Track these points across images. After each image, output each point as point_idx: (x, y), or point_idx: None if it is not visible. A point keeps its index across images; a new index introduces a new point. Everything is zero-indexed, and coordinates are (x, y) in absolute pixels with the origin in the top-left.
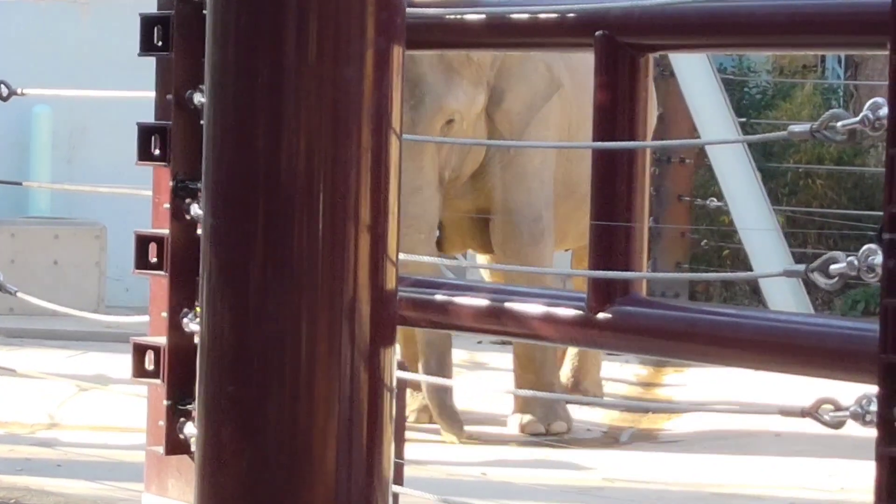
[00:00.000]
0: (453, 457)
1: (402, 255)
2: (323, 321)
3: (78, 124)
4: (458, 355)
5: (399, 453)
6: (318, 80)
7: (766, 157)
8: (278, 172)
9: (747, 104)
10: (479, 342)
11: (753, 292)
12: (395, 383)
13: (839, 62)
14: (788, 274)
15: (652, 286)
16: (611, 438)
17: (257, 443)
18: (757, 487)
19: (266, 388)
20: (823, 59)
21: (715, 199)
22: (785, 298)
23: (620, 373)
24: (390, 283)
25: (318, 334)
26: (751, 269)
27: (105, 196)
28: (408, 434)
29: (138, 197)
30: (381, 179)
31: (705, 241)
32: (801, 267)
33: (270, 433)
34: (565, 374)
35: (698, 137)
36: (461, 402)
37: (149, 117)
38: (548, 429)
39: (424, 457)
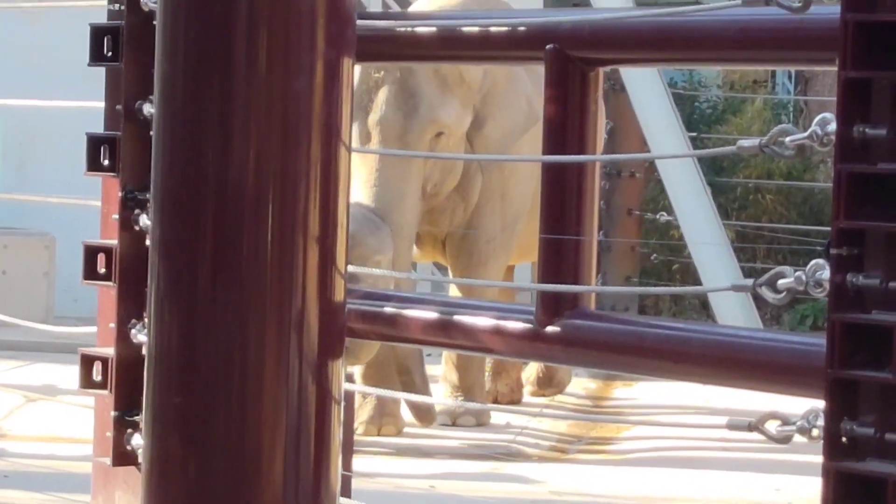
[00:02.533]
0: (401, 469)
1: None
2: (271, 333)
3: (28, 134)
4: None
5: (347, 465)
6: (268, 91)
7: (716, 172)
8: (227, 184)
9: (698, 119)
10: (429, 354)
11: (703, 306)
12: (343, 395)
13: (789, 77)
14: (737, 288)
15: (601, 300)
16: (559, 451)
17: (204, 454)
18: (704, 501)
19: (213, 399)
20: (774, 74)
21: (665, 214)
22: (734, 313)
23: (569, 386)
24: (339, 294)
25: (266, 346)
26: (700, 284)
27: (54, 206)
28: (356, 446)
29: (88, 207)
30: (331, 191)
31: (655, 255)
32: (750, 281)
33: (217, 445)
34: (538, 366)
35: (649, 152)
36: (407, 414)
37: (99, 127)
38: (454, 421)
39: (373, 469)
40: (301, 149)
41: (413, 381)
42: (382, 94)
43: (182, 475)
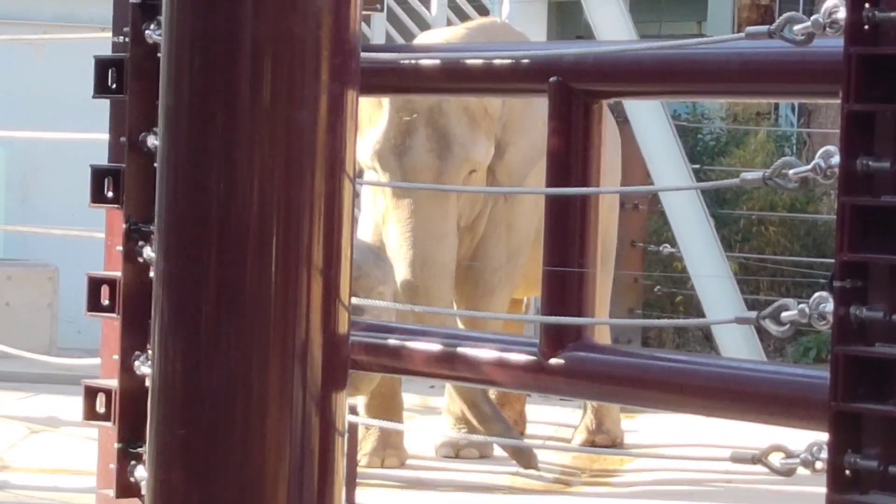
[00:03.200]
0: (404, 502)
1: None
2: (275, 365)
3: (31, 166)
4: (410, 399)
5: (350, 498)
6: (272, 123)
7: (719, 204)
8: (231, 216)
9: (701, 151)
10: (432, 386)
11: (706, 338)
12: (346, 427)
13: (792, 110)
14: (740, 321)
15: (612, 333)
16: (562, 483)
17: (207, 487)
18: None
19: (217, 431)
20: (777, 106)
21: (668, 246)
22: (737, 345)
23: (572, 418)
24: (342, 327)
25: (270, 378)
26: (703, 316)
27: (58, 238)
28: (359, 478)
29: (91, 239)
30: (335, 223)
31: (658, 287)
32: (753, 314)
33: (221, 477)
34: (588, 416)
35: (652, 184)
36: (412, 446)
37: (103, 159)
38: (458, 453)
39: (376, 502)
40: (305, 181)
41: (485, 414)
42: (415, 138)
43: None
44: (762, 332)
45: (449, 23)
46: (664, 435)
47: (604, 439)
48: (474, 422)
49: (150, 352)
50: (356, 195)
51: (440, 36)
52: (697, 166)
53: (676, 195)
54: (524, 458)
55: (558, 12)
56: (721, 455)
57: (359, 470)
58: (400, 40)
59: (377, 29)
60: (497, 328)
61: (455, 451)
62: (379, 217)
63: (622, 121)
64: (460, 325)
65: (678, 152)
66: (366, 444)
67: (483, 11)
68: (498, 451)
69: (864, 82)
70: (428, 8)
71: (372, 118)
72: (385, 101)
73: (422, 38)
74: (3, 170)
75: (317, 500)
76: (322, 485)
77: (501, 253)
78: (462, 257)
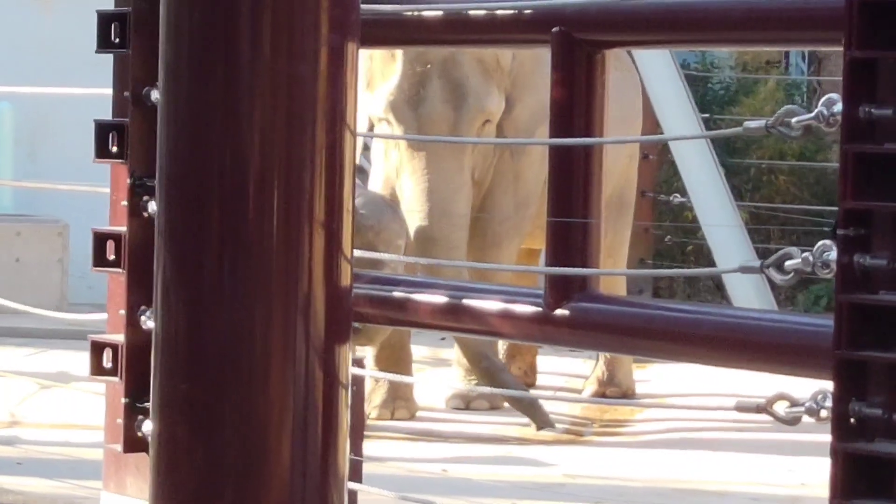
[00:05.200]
0: (414, 453)
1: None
2: (277, 318)
3: (40, 121)
4: (420, 351)
5: (357, 450)
6: (273, 76)
7: (729, 153)
8: (232, 169)
9: (710, 100)
10: (443, 338)
11: (717, 288)
12: (350, 380)
13: (802, 58)
14: (744, 270)
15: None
16: (573, 434)
17: (212, 440)
18: (718, 483)
19: (220, 385)
20: (787, 54)
21: (678, 195)
22: (748, 294)
23: (583, 369)
24: (345, 279)
25: (273, 331)
26: (714, 265)
27: (67, 193)
28: (369, 431)
29: (101, 194)
30: (336, 176)
31: (669, 236)
32: (757, 263)
33: (225, 430)
34: (599, 367)
35: (661, 133)
36: (422, 398)
37: (110, 115)
38: (468, 404)
39: (385, 454)
40: (306, 134)
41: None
42: (429, 89)
43: (189, 461)
44: (773, 281)
45: None
46: (676, 385)
47: (615, 391)
48: (479, 379)
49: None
50: (366, 148)
51: None
52: (707, 115)
53: (686, 145)
54: (538, 416)
55: None
56: (729, 404)
57: (368, 422)
58: None
59: None
60: (505, 279)
61: (465, 403)
62: (392, 170)
63: None
64: (465, 276)
65: (687, 102)
66: (375, 397)
67: None
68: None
69: (867, 29)
70: None
71: (384, 72)
72: (398, 53)
73: None
74: (11, 125)
75: (321, 452)
76: (326, 437)
77: (509, 204)
78: (471, 211)
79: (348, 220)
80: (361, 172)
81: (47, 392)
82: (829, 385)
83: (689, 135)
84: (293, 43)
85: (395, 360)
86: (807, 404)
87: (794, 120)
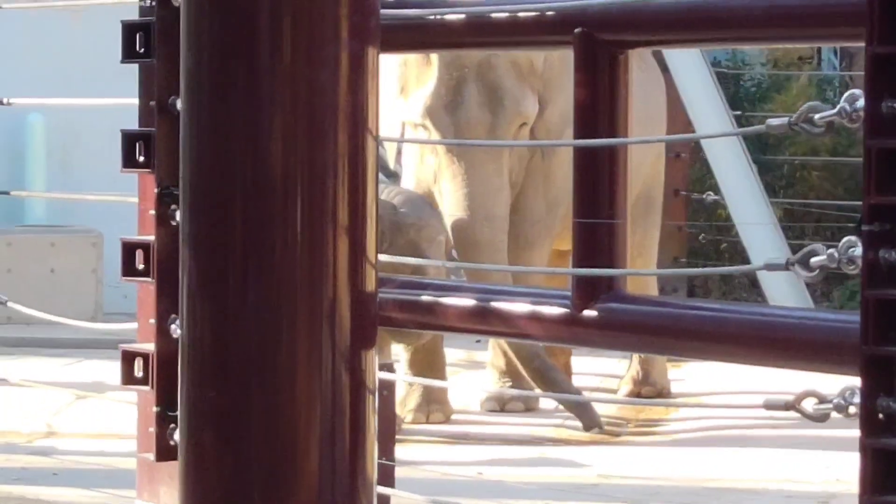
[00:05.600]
0: (449, 457)
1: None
2: (303, 325)
3: (71, 132)
4: (455, 354)
5: (388, 454)
6: (293, 83)
7: (762, 150)
8: (255, 177)
9: (742, 97)
10: (478, 340)
11: (752, 285)
12: (376, 385)
13: (835, 53)
14: (770, 267)
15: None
16: (608, 434)
17: (239, 448)
18: (752, 481)
19: (247, 393)
20: (819, 50)
21: (711, 193)
22: (783, 290)
23: (618, 369)
24: (370, 285)
25: (299, 338)
26: (749, 263)
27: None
28: (404, 434)
29: (133, 203)
30: (359, 182)
31: (703, 235)
32: (783, 260)
33: (252, 438)
34: (634, 366)
35: (692, 131)
36: (457, 401)
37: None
38: (503, 406)
39: (420, 457)
40: (328, 141)
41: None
42: (466, 93)
43: (218, 469)
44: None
45: None
46: (710, 383)
47: (650, 390)
48: (531, 381)
49: None
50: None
51: None
52: (739, 113)
53: (718, 143)
54: (586, 417)
55: None
56: (755, 403)
57: (404, 426)
58: None
59: None
60: (538, 280)
61: (500, 405)
62: (428, 174)
63: (662, 69)
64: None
65: (719, 100)
66: (410, 401)
67: None
68: (543, 403)
69: (889, 24)
70: None
71: (420, 77)
72: (433, 58)
73: None
74: (43, 137)
75: (349, 458)
76: (354, 443)
77: (540, 205)
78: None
79: (372, 225)
80: (396, 177)
81: (83, 402)
82: (856, 381)
83: (713, 133)
84: (313, 50)
85: (428, 363)
86: (835, 401)
87: (817, 116)
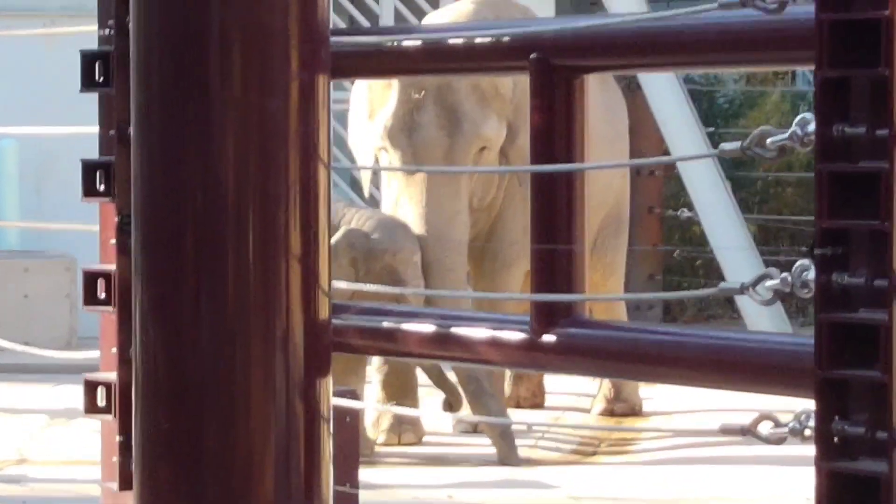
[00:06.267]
0: (420, 479)
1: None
2: (256, 354)
3: (45, 156)
4: (425, 377)
5: (353, 481)
6: (244, 113)
7: (735, 166)
8: (207, 206)
9: (716, 113)
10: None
11: (727, 301)
12: (331, 412)
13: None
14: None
15: (628, 302)
16: (580, 454)
17: (194, 479)
18: (726, 500)
19: (200, 422)
20: None
21: (686, 210)
22: (758, 307)
23: (591, 387)
24: (323, 313)
25: (252, 367)
26: (724, 280)
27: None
28: (376, 458)
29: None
30: (311, 210)
31: (677, 251)
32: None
33: (207, 469)
34: (606, 384)
35: (667, 149)
36: (428, 423)
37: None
38: (475, 427)
39: (391, 480)
40: (279, 169)
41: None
42: (424, 115)
43: (173, 500)
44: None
45: None
46: (682, 400)
47: (623, 408)
48: (468, 404)
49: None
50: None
51: (450, 13)
52: (712, 129)
53: (692, 160)
54: (505, 449)
55: None
56: (711, 429)
57: (376, 448)
58: (411, 18)
59: (386, 7)
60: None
61: (473, 427)
62: (393, 196)
63: (635, 87)
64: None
65: (691, 117)
66: (383, 422)
67: None
68: (515, 425)
69: (837, 48)
70: None
71: (382, 100)
72: (394, 81)
73: (430, 17)
74: (16, 162)
75: (304, 486)
76: (309, 471)
77: (517, 227)
78: (479, 236)
79: (325, 253)
80: (372, 202)
81: (55, 428)
82: (812, 404)
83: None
84: (263, 79)
85: (400, 385)
86: (790, 424)
87: (769, 141)
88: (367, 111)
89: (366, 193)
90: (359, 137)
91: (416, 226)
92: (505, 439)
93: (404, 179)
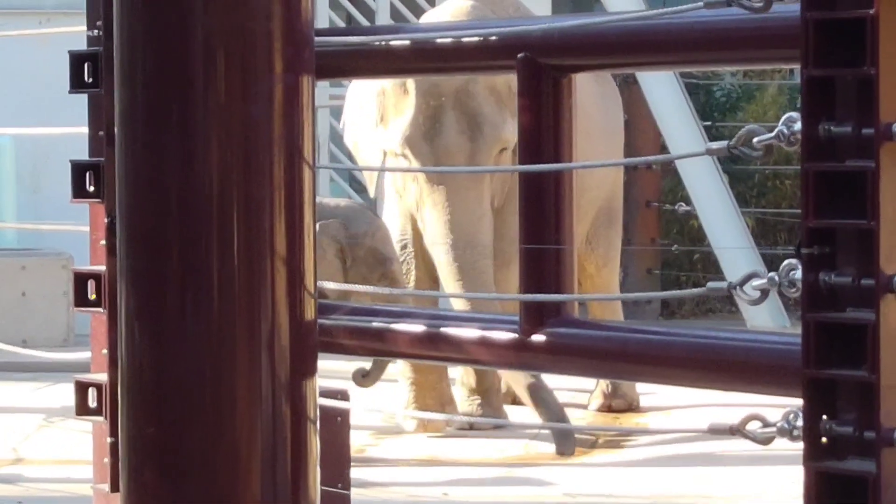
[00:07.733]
0: (415, 478)
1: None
2: (242, 356)
3: (42, 156)
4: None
5: (344, 481)
6: (228, 116)
7: (732, 160)
8: (192, 209)
9: (713, 107)
10: None
11: (726, 296)
12: (318, 414)
13: None
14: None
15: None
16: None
17: (179, 483)
18: (722, 499)
19: (186, 426)
20: None
21: (683, 204)
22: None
23: (588, 383)
24: (309, 314)
25: (238, 370)
26: (723, 274)
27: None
28: (370, 456)
29: None
30: (296, 212)
31: (675, 245)
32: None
33: (192, 473)
34: (603, 381)
35: (664, 143)
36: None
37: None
38: (471, 425)
39: (386, 479)
40: (264, 172)
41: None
42: (445, 121)
43: (159, 502)
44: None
45: None
46: (680, 396)
47: (620, 403)
48: (522, 399)
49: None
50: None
51: (447, 11)
52: (709, 123)
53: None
54: (563, 442)
55: None
56: (699, 427)
57: (369, 448)
58: (409, 15)
59: (382, 4)
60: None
61: (469, 424)
62: (412, 202)
63: (632, 81)
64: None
65: (688, 111)
66: (410, 408)
67: None
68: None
69: (823, 47)
70: None
71: (398, 106)
72: (410, 87)
73: (428, 16)
74: (12, 161)
75: (291, 487)
76: (296, 472)
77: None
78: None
79: (310, 255)
80: (375, 203)
81: (51, 427)
82: (800, 403)
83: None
84: (247, 83)
85: (427, 377)
86: (779, 424)
87: (755, 140)
88: (378, 116)
89: (371, 194)
90: (364, 140)
91: (444, 232)
92: (565, 433)
93: (427, 185)
